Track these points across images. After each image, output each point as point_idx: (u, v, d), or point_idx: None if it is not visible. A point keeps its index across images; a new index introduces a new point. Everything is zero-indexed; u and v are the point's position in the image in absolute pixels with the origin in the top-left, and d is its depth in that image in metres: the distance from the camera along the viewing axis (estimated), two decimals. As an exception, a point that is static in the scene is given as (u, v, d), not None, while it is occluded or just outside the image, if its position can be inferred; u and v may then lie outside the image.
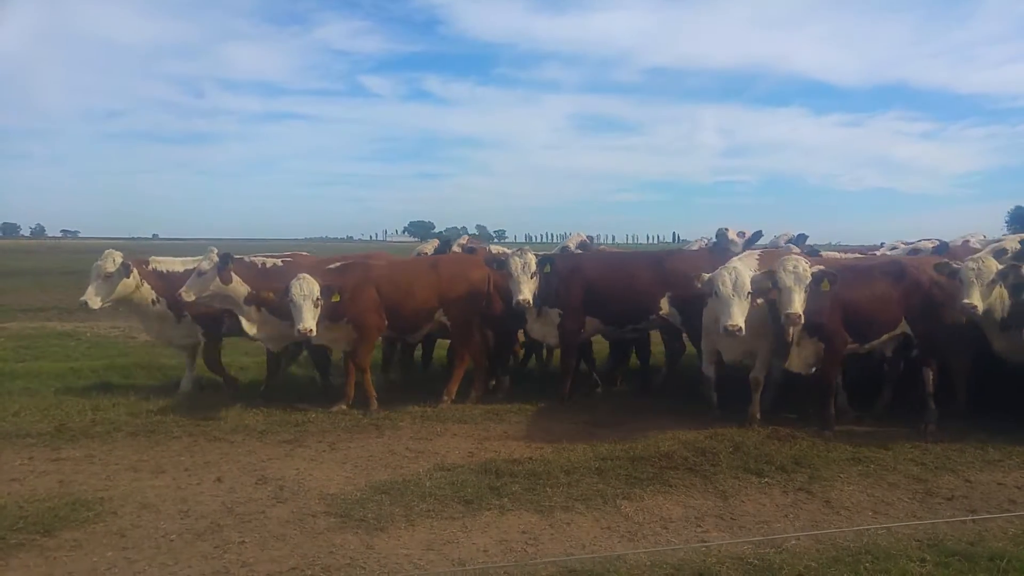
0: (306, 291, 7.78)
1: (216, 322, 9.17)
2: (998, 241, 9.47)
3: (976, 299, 7.02)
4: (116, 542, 5.14)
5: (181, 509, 5.71)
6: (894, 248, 11.16)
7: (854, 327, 7.62)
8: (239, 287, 8.41)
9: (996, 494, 6.00)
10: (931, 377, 7.74)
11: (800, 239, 11.06)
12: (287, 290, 7.83)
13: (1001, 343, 7.44)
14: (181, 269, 9.12)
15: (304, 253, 10.52)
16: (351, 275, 8.64)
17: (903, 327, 7.86)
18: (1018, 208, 54.29)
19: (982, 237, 11.52)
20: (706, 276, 7.30)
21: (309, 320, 7.76)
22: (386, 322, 8.81)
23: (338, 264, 9.03)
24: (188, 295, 8.19)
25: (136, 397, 8.99)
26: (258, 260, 9.00)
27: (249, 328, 8.56)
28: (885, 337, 7.92)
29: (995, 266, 7.15)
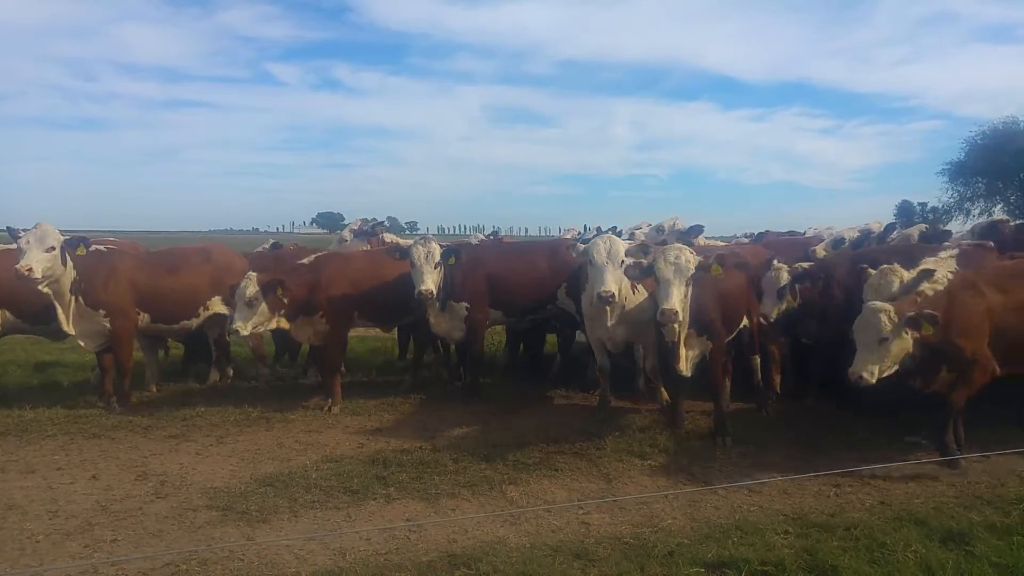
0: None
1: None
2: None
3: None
4: (-24, 545, 4.87)
5: (50, 509, 5.48)
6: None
7: (726, 321, 7.20)
8: (70, 273, 7.59)
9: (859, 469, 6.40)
10: (758, 364, 8.07)
11: (694, 231, 10.97)
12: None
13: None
14: None
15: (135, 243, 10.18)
16: (326, 268, 8.32)
17: (746, 319, 7.68)
18: (904, 202, 58.33)
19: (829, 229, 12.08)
20: (581, 246, 6.90)
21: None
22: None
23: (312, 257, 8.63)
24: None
25: (8, 395, 8.50)
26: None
27: (64, 323, 7.71)
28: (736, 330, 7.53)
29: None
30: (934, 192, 47.61)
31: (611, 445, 6.79)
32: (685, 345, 6.74)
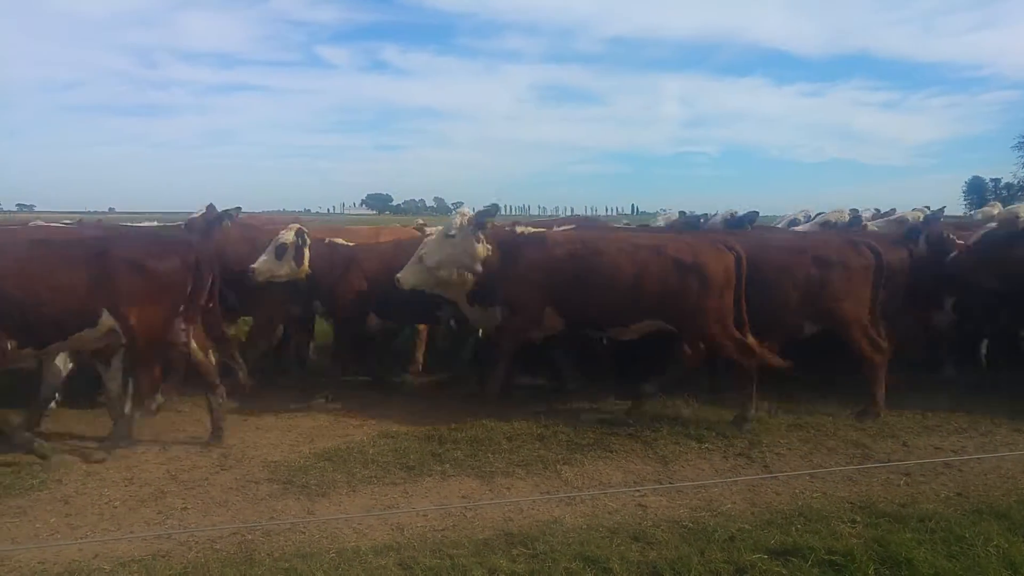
0: None
1: None
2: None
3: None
4: (60, 509, 5.15)
5: (125, 476, 5.72)
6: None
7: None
8: None
9: (932, 457, 6.14)
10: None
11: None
12: None
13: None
14: None
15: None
16: None
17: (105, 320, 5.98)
18: (975, 178, 55.19)
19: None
20: None
21: None
22: None
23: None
24: None
25: (84, 372, 8.87)
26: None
27: None
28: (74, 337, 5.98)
29: None
30: (1008, 167, 45.23)
31: (667, 427, 6.71)
32: None
